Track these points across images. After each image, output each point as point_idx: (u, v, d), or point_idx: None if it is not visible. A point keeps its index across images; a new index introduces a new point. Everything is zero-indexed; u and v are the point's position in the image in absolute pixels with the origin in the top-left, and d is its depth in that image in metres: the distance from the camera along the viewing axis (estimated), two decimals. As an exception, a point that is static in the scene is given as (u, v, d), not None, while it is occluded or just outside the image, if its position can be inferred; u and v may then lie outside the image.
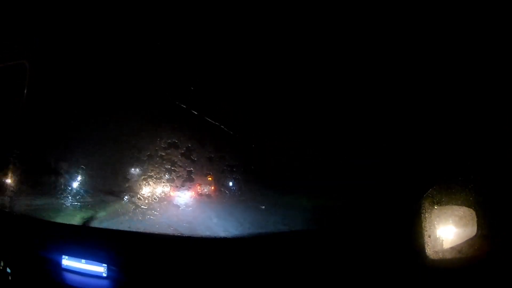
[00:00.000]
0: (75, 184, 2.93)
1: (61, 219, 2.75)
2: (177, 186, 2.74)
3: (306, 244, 2.09)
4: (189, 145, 2.87)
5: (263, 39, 2.85)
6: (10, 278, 2.44)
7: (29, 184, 3.00)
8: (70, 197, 2.88)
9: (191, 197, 2.90)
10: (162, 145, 2.78)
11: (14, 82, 2.86)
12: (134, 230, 2.47)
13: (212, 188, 3.25)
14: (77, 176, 2.95)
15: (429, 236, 1.92)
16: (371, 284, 1.90)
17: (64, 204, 2.87)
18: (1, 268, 2.43)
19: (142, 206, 2.63)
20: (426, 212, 1.91)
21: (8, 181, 3.01)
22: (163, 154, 2.76)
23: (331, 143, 2.61)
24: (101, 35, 2.94)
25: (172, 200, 2.78)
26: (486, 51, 2.04)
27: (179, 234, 2.45)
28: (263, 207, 2.74)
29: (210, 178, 3.29)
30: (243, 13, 2.78)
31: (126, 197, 2.75)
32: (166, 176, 2.72)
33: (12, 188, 2.95)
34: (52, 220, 2.69)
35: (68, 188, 2.94)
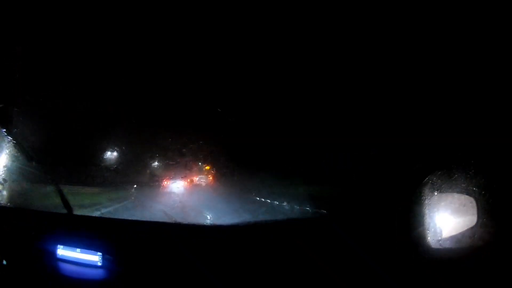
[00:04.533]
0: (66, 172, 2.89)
1: (57, 207, 2.72)
2: (172, 176, 2.71)
3: (303, 232, 2.05)
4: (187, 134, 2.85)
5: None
6: (6, 269, 2.42)
7: (21, 172, 2.97)
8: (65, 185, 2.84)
9: (184, 186, 2.85)
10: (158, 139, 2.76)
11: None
12: (128, 218, 2.44)
13: (210, 178, 3.18)
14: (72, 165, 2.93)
15: (429, 224, 1.88)
16: (370, 273, 1.87)
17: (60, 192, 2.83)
18: (-3, 260, 2.41)
19: (136, 195, 2.61)
20: (426, 199, 1.87)
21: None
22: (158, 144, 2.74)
23: (329, 130, 2.58)
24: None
25: (167, 189, 2.76)
26: (483, 46, 2.00)
27: (174, 222, 2.43)
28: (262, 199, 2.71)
29: (208, 167, 3.24)
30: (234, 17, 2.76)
31: (120, 185, 2.72)
32: (160, 164, 2.69)
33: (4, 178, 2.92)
34: (47, 210, 2.68)
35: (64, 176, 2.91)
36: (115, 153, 2.86)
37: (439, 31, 2.17)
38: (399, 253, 1.87)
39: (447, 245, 1.89)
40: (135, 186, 2.88)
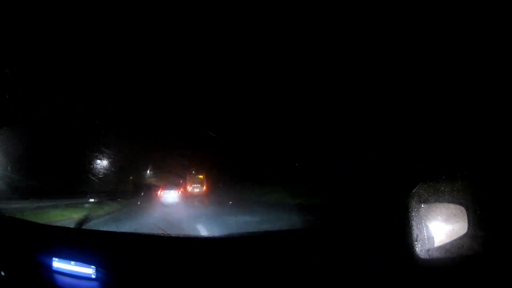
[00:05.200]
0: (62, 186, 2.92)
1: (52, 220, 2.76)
2: (166, 185, 2.73)
3: (293, 244, 2.07)
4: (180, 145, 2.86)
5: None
6: (3, 280, 2.46)
7: (18, 186, 3.01)
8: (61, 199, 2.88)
9: (178, 196, 2.88)
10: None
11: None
12: (121, 231, 2.46)
13: (204, 187, 3.20)
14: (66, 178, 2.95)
15: (417, 235, 1.89)
16: (370, 273, 1.86)
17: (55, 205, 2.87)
18: (-6, 270, 2.45)
19: (129, 207, 2.63)
20: (413, 211, 1.87)
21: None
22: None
23: (319, 147, 2.59)
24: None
25: (160, 200, 2.78)
26: (463, 55, 2.00)
27: (166, 234, 2.45)
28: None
29: (202, 177, 3.25)
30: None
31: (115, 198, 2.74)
32: (154, 174, 2.70)
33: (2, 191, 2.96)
34: (43, 223, 2.70)
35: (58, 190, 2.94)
36: (105, 162, 2.87)
37: (438, 32, 2.17)
38: (389, 264, 1.87)
39: (436, 255, 1.89)
40: (127, 196, 2.89)
